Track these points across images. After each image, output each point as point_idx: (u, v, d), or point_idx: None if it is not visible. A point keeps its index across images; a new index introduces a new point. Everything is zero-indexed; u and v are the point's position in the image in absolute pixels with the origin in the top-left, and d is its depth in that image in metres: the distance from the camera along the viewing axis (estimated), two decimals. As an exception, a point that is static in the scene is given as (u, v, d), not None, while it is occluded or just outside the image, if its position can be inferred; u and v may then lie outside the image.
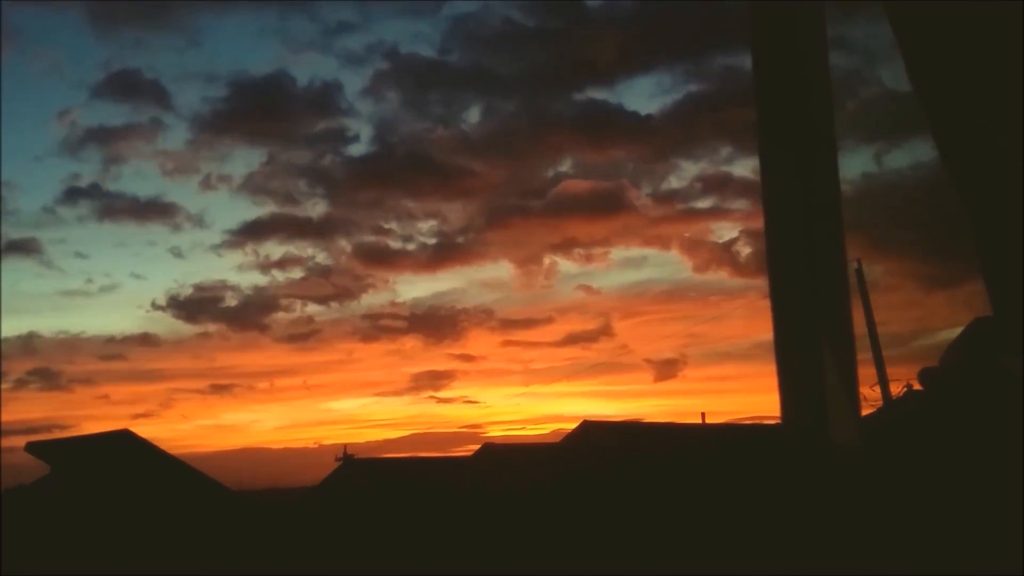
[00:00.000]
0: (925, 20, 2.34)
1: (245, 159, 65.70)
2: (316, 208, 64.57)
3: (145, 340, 60.94)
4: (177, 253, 58.03)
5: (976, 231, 2.41)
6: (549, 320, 63.00)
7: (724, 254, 50.85)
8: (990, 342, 2.24)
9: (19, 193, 67.15)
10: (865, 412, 2.65)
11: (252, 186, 60.80)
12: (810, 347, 2.60)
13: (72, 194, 54.50)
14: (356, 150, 56.13)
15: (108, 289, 65.71)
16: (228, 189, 65.02)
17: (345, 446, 34.69)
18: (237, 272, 71.16)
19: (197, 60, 63.55)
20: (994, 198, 2.30)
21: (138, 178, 70.84)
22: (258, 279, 69.69)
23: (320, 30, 65.95)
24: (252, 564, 19.10)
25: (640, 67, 56.61)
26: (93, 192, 56.88)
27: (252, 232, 59.12)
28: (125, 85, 55.38)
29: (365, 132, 58.26)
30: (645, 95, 74.12)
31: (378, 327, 59.55)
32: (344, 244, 63.72)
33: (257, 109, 53.49)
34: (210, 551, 19.24)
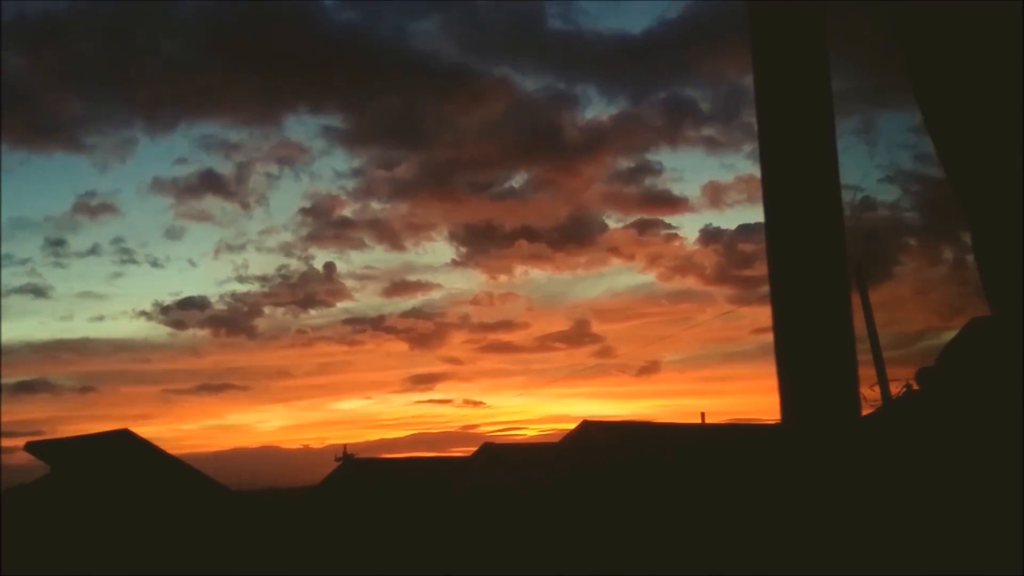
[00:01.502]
0: (927, 21, 2.34)
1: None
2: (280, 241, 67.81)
3: (141, 345, 61.74)
4: (155, 263, 60.33)
5: (974, 231, 2.41)
6: (541, 324, 63.43)
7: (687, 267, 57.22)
8: (988, 342, 2.25)
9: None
10: (865, 412, 2.65)
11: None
12: (810, 347, 2.60)
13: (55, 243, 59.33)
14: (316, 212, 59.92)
15: (96, 296, 67.09)
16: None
17: (345, 446, 34.66)
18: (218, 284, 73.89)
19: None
20: (992, 198, 2.30)
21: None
22: (238, 287, 71.63)
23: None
24: (252, 563, 19.11)
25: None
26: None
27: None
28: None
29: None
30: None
31: (375, 332, 60.18)
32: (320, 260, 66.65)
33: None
34: (210, 550, 19.25)
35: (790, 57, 2.72)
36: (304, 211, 61.08)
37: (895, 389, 22.07)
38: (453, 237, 64.20)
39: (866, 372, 22.44)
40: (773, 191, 2.76)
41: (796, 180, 2.70)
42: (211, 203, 69.85)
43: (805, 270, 2.63)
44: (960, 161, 2.38)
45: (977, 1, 2.31)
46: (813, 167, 2.68)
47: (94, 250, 64.13)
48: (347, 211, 61.86)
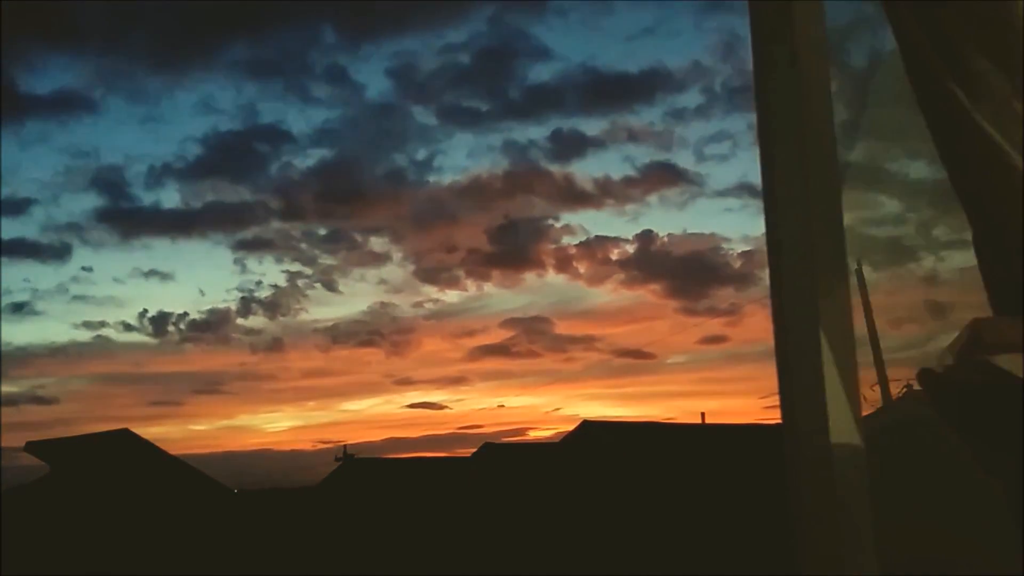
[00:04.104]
0: (927, 20, 2.34)
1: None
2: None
3: (138, 350, 61.87)
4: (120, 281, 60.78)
5: (975, 230, 2.40)
6: (542, 325, 63.58)
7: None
8: (989, 342, 2.24)
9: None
10: (865, 412, 2.64)
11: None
12: (810, 347, 2.60)
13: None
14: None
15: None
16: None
17: (345, 446, 34.70)
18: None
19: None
20: (993, 197, 2.30)
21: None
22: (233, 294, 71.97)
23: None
24: (252, 564, 19.12)
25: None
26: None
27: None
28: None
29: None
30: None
31: (375, 335, 60.37)
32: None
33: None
34: (210, 551, 19.26)
35: (790, 57, 2.72)
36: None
37: (895, 390, 22.09)
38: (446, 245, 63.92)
39: (866, 373, 22.41)
40: (773, 191, 2.76)
41: (796, 180, 2.70)
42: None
43: (805, 270, 2.63)
44: (961, 160, 2.37)
45: (977, 1, 2.30)
46: (813, 167, 2.68)
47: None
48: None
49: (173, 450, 25.56)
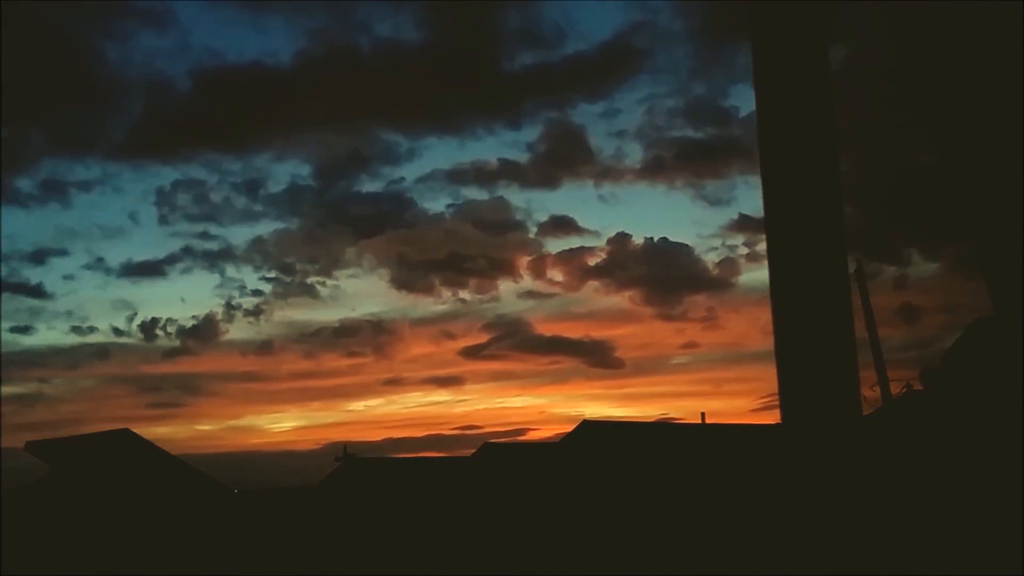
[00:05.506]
0: (925, 21, 2.34)
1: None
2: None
3: (133, 352, 62.13)
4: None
5: (976, 232, 2.41)
6: (543, 324, 63.62)
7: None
8: (992, 342, 2.24)
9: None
10: (865, 412, 2.65)
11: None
12: (810, 347, 2.60)
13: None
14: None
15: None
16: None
17: (345, 446, 34.58)
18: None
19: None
20: (994, 199, 2.30)
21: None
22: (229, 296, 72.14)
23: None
24: (251, 564, 19.12)
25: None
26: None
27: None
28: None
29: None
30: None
31: (376, 336, 60.40)
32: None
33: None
34: (210, 551, 19.26)
35: (790, 57, 2.72)
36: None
37: (895, 390, 22.09)
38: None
39: (867, 374, 22.44)
40: (773, 191, 2.76)
41: (796, 180, 2.70)
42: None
43: (805, 270, 2.63)
44: (962, 162, 2.38)
45: (977, 1, 2.31)
46: (813, 167, 2.68)
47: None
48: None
49: (177, 450, 25.57)
